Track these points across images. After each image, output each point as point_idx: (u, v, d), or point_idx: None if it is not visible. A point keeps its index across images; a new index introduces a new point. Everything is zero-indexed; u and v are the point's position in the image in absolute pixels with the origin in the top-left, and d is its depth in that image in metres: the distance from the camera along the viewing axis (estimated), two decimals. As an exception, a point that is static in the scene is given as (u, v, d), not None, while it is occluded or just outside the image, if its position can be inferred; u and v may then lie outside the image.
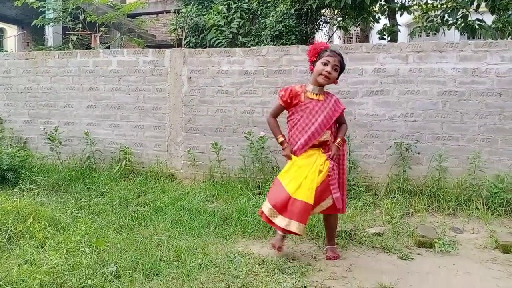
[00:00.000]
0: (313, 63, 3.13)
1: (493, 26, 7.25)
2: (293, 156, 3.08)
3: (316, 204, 2.95)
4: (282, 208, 2.92)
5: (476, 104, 4.50)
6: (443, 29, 7.55)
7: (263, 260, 3.01)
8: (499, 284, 2.77)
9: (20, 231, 3.25)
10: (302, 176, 2.95)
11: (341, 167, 3.16)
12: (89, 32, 9.28)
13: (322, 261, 3.08)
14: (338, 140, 3.12)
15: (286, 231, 3.01)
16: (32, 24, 9.20)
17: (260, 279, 2.72)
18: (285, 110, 3.25)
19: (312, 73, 3.14)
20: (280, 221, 2.92)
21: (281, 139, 3.17)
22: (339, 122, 3.22)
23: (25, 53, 6.36)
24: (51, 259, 2.74)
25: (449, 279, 2.84)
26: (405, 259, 3.14)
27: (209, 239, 3.37)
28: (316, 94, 3.09)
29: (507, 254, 3.26)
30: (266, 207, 3.02)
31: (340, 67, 3.08)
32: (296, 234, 2.97)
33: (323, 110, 3.04)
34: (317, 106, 3.05)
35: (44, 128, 5.70)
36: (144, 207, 4.17)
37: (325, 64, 3.01)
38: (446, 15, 7.39)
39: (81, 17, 8.75)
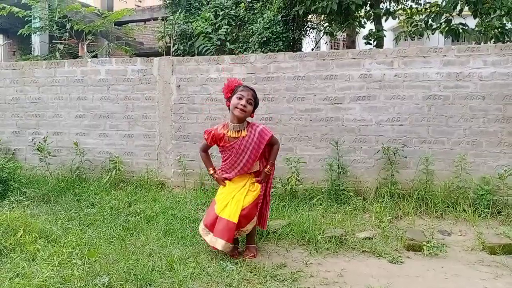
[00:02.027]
0: (228, 99, 3.26)
1: (476, 29, 7.40)
2: (226, 181, 3.33)
3: (243, 223, 3.16)
4: (211, 226, 3.15)
5: (461, 108, 4.60)
6: (427, 33, 7.69)
7: (255, 267, 3.03)
8: (486, 285, 2.83)
9: (11, 244, 3.24)
10: (230, 196, 3.20)
11: (268, 186, 3.42)
12: (76, 41, 9.24)
13: (314, 266, 3.12)
14: (268, 167, 3.30)
15: (214, 248, 3.15)
16: (18, 33, 9.13)
17: (252, 287, 2.75)
18: None
19: (229, 108, 3.25)
20: (210, 239, 3.14)
21: (211, 171, 3.42)
22: (271, 144, 3.34)
23: (12, 63, 6.32)
24: (43, 272, 2.74)
25: (437, 281, 2.90)
26: (394, 263, 3.20)
27: (201, 247, 3.39)
28: (238, 131, 3.22)
29: (494, 256, 3.34)
30: (201, 227, 3.26)
31: (254, 101, 3.22)
32: (222, 251, 3.13)
33: (249, 147, 3.19)
34: (242, 145, 3.20)
35: (32, 139, 5.65)
36: (135, 216, 4.16)
37: (240, 99, 3.15)
38: (430, 20, 7.54)
39: (68, 26, 8.72)
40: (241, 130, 3.22)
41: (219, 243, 3.06)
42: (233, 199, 3.17)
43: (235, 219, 3.08)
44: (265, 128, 3.27)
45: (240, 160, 3.22)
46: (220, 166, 3.42)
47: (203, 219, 3.29)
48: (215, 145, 3.36)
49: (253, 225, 3.28)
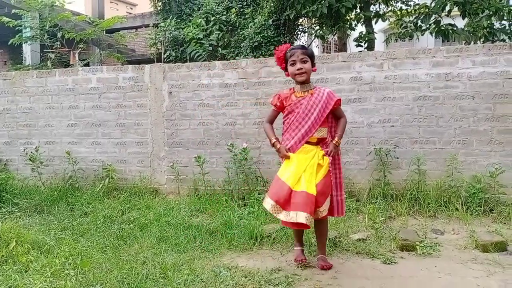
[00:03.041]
0: (285, 69, 3.19)
1: (466, 29, 7.47)
2: (290, 153, 3.06)
3: (319, 201, 2.91)
4: (285, 203, 2.89)
5: (451, 108, 4.63)
6: (416, 34, 7.75)
7: (249, 272, 3.03)
8: (479, 283, 2.84)
9: (3, 255, 3.21)
10: (301, 170, 2.94)
11: (337, 167, 3.17)
12: (67, 49, 9.24)
13: (308, 270, 3.11)
14: (336, 138, 3.11)
15: (294, 225, 2.93)
16: (9, 43, 9.10)
17: (246, 292, 2.75)
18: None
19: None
20: (285, 216, 2.88)
21: (273, 140, 3.16)
22: (337, 116, 3.20)
23: (3, 73, 6.30)
24: (36, 283, 2.72)
25: (431, 281, 2.91)
26: (388, 264, 3.20)
27: (195, 254, 3.38)
28: (305, 92, 3.11)
29: (487, 253, 3.34)
30: (269, 204, 2.96)
31: (308, 56, 3.09)
32: (304, 227, 2.89)
33: (317, 104, 3.04)
34: (311, 101, 3.05)
35: (24, 149, 5.64)
36: (128, 224, 4.15)
37: (293, 64, 3.06)
38: (419, 21, 7.60)
39: (59, 35, 8.70)
40: (308, 90, 3.11)
41: (301, 216, 2.78)
42: (305, 172, 2.93)
43: (314, 192, 2.86)
44: (333, 91, 3.17)
45: (309, 116, 3.02)
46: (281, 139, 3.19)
47: (269, 195, 2.98)
48: (280, 112, 3.22)
49: (327, 206, 3.01)
